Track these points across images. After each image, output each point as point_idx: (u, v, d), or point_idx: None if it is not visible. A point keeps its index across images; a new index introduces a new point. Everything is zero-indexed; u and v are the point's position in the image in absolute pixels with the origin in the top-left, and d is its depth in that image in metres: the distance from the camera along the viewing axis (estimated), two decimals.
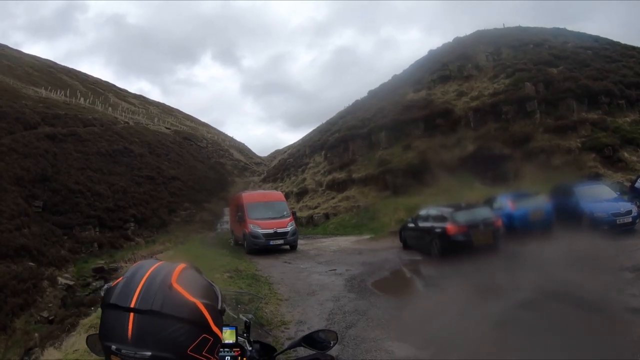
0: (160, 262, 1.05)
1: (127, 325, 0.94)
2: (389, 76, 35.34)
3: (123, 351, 0.94)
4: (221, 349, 1.87)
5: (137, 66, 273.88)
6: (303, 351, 1.76)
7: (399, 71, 34.74)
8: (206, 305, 1.00)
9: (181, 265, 1.04)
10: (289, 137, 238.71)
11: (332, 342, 1.75)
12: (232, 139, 54.22)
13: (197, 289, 1.01)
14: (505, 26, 32.35)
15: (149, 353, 0.93)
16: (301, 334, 1.78)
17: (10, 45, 48.36)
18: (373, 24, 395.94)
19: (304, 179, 28.50)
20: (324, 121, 36.95)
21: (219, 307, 1.04)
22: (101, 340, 0.99)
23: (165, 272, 1.00)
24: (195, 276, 1.05)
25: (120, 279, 1.02)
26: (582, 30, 35.47)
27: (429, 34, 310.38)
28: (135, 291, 0.96)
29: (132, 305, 0.95)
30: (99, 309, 1.10)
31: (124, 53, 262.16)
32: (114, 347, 0.95)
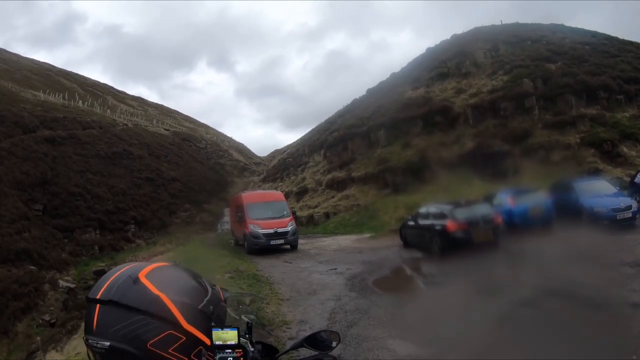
0: (142, 263, 1.06)
1: (94, 317, 0.97)
2: (383, 77, 35.31)
3: (89, 341, 0.97)
4: (223, 350, 1.87)
5: (135, 73, 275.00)
6: (305, 352, 1.76)
7: (395, 70, 34.74)
8: (175, 301, 0.97)
9: (159, 264, 1.05)
10: (287, 137, 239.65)
11: (334, 343, 1.74)
12: (231, 140, 54.19)
13: (170, 284, 1.00)
14: (503, 23, 32.35)
15: (108, 343, 0.94)
16: (303, 334, 1.78)
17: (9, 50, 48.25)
18: (363, 28, 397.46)
19: (304, 179, 28.49)
20: (322, 121, 36.98)
21: (200, 306, 1.00)
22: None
23: (138, 268, 1.01)
24: (174, 274, 1.04)
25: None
26: None
27: (420, 36, 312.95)
28: (104, 284, 0.99)
29: (97, 297, 0.98)
30: None
31: (121, 60, 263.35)
32: (84, 337, 0.99)
